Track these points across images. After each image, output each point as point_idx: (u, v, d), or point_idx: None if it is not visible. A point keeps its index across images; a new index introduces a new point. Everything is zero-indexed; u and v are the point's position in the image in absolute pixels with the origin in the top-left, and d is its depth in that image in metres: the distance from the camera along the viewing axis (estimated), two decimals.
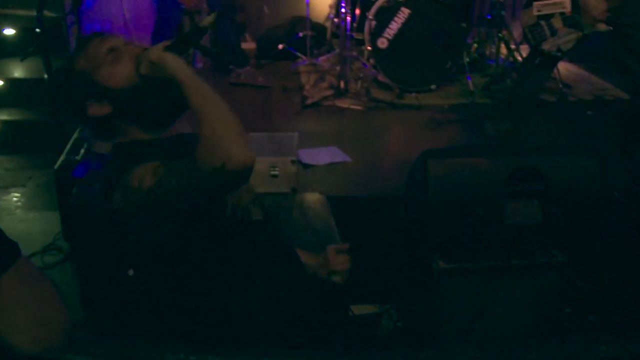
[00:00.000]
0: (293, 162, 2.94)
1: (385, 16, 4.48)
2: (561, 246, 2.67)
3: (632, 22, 3.37)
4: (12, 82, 4.96)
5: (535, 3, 3.54)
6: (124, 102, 1.64)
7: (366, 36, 4.70)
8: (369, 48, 4.62)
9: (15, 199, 4.16)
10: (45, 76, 4.19)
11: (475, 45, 5.16)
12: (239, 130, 1.49)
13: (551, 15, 3.50)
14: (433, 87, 4.56)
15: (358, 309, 2.96)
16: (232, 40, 4.95)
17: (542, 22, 3.51)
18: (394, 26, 4.44)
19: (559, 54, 3.57)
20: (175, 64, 1.55)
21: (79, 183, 2.98)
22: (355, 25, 4.91)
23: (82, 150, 3.45)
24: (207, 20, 1.67)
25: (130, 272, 2.90)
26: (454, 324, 2.71)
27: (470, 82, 4.54)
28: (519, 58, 4.72)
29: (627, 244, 2.68)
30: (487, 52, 5.16)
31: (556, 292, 2.63)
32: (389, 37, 4.46)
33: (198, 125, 1.47)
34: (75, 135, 3.74)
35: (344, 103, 4.35)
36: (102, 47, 1.66)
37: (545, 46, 3.51)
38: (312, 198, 2.88)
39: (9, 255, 0.97)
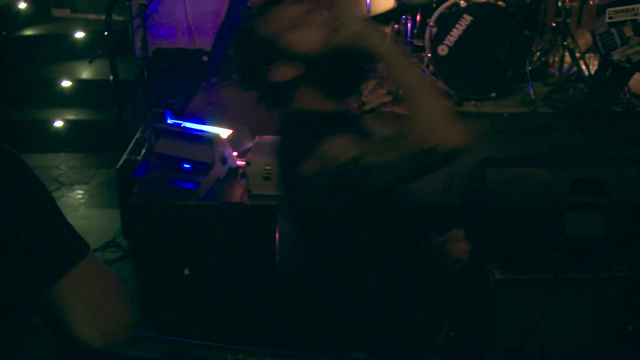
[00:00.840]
0: None
1: (446, 23, 4.43)
2: (623, 261, 2.60)
3: None
4: (80, 83, 5.15)
5: (608, 9, 3.45)
6: (314, 69, 1.60)
7: (426, 43, 4.67)
8: (429, 55, 4.59)
9: (79, 196, 4.30)
10: (111, 78, 4.33)
11: (538, 53, 5.06)
12: (449, 108, 1.46)
13: (623, 23, 3.40)
14: (493, 95, 4.49)
15: None
16: None
17: (613, 30, 3.42)
18: (455, 33, 4.40)
19: (628, 65, 3.46)
20: (377, 37, 1.52)
21: (139, 182, 3.06)
22: (415, 31, 4.88)
23: (143, 151, 3.54)
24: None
25: (187, 271, 2.97)
26: (508, 336, 2.67)
27: (531, 90, 4.45)
28: (584, 67, 4.61)
29: None
30: (550, 61, 5.05)
31: (617, 308, 2.55)
32: (450, 44, 4.42)
33: (407, 102, 1.46)
34: (137, 136, 3.84)
35: (402, 109, 4.33)
36: (287, 13, 1.64)
37: (615, 56, 3.42)
38: None
39: (79, 250, 1.01)
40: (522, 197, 2.62)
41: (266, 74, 1.61)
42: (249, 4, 4.41)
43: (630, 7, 3.37)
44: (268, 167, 2.92)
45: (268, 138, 3.22)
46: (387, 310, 1.71)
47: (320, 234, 1.68)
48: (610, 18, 3.41)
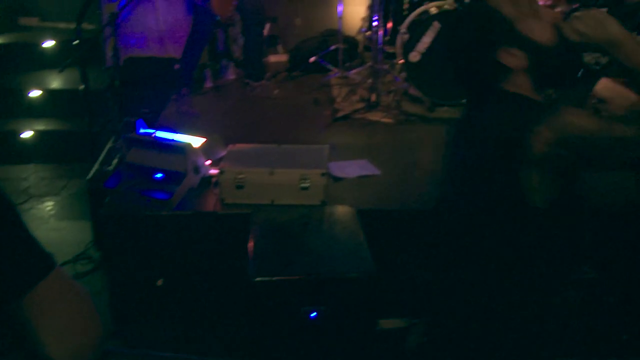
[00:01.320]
0: (323, 174, 2.94)
1: (417, 30, 4.47)
2: (592, 263, 2.63)
3: None
4: (49, 93, 5.08)
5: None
6: (540, 60, 1.63)
7: (398, 49, 4.70)
8: (401, 61, 4.61)
9: (49, 207, 4.24)
10: (82, 87, 4.28)
11: None
12: None
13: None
14: (464, 100, 4.52)
15: (386, 323, 2.94)
16: (253, 53, 5.00)
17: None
18: (427, 40, 4.43)
19: (598, 67, 3.51)
20: (617, 25, 1.54)
21: (111, 193, 3.03)
22: (387, 38, 4.91)
23: (115, 161, 3.51)
24: None
25: (160, 282, 2.94)
26: (483, 339, 2.68)
27: None
28: None
29: None
30: None
31: (585, 309, 2.58)
32: (421, 51, 4.45)
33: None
34: (108, 146, 3.80)
35: (375, 116, 4.34)
36: (530, 0, 1.66)
37: (586, 58, 3.47)
38: (342, 211, 2.89)
39: (44, 265, 0.99)
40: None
41: (496, 52, 1.62)
42: (217, 17, 4.41)
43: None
44: (241, 176, 2.91)
45: (241, 146, 3.21)
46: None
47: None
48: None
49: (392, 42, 4.87)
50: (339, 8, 5.03)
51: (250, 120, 4.29)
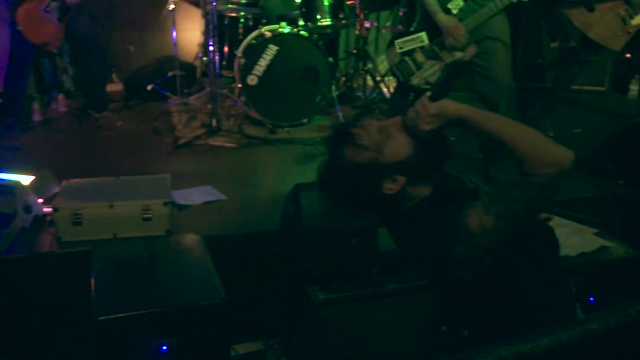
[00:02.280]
0: (166, 203, 2.88)
1: (253, 53, 4.53)
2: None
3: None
4: None
5: (396, 41, 3.71)
6: (414, 168, 1.72)
7: (236, 74, 4.73)
8: (239, 85, 4.65)
9: None
10: None
11: (344, 78, 5.33)
12: (543, 136, 1.59)
13: (413, 51, 3.68)
14: (304, 121, 4.65)
15: (242, 348, 2.92)
16: (95, 83, 4.79)
17: (407, 58, 3.68)
18: (263, 63, 4.51)
19: (428, 86, 3.75)
20: (450, 104, 1.64)
21: None
22: (224, 63, 4.92)
23: None
24: (470, 52, 1.75)
25: None
26: (339, 354, 2.74)
27: (340, 114, 4.67)
28: (385, 89, 4.92)
29: None
30: (355, 85, 5.34)
31: (431, 312, 2.72)
32: (259, 74, 4.52)
33: (511, 147, 1.56)
34: None
35: (216, 141, 4.33)
36: (372, 131, 1.74)
37: (414, 81, 3.68)
38: (188, 239, 2.84)
39: None
40: (336, 218, 2.73)
41: (382, 190, 1.72)
42: (32, 43, 4.17)
43: (415, 35, 3.66)
44: (78, 212, 2.78)
45: (77, 181, 3.06)
46: None
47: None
48: (400, 48, 3.68)
49: (229, 66, 4.89)
50: (173, 34, 4.97)
51: (86, 154, 4.10)
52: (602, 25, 3.82)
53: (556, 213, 2.95)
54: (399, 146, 1.72)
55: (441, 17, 3.53)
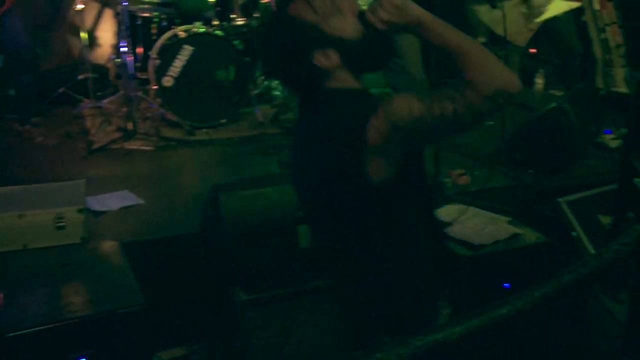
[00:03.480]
0: (80, 210, 2.79)
1: (168, 54, 4.45)
2: None
3: None
4: None
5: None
6: (352, 52, 1.65)
7: (150, 75, 4.63)
8: (155, 87, 4.56)
9: None
10: None
11: (262, 77, 5.31)
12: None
13: None
14: (223, 121, 4.60)
15: (166, 354, 2.88)
16: (22, 93, 4.55)
17: None
18: (178, 63, 4.44)
19: None
20: (417, 7, 1.60)
21: None
22: (138, 64, 4.81)
23: None
24: None
25: None
26: (263, 354, 2.74)
27: (259, 113, 4.65)
28: None
29: None
30: (274, 84, 5.32)
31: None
32: (174, 75, 4.44)
33: (458, 57, 1.54)
34: None
35: (133, 145, 4.23)
36: None
37: None
38: (105, 246, 2.77)
39: None
40: (256, 218, 2.72)
41: (311, 58, 1.64)
42: None
43: None
44: None
45: None
46: None
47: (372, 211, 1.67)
48: None
49: (143, 68, 4.79)
50: (83, 35, 4.82)
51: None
52: (508, 22, 3.96)
53: (471, 203, 3.05)
54: (346, 25, 1.67)
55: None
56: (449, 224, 2.85)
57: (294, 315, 2.74)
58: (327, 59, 1.67)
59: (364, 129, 1.55)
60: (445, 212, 2.92)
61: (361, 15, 1.68)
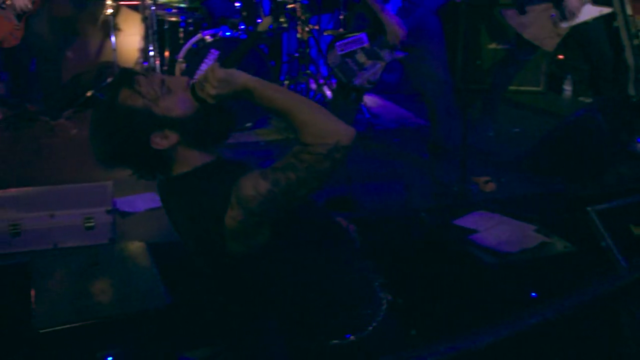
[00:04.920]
0: (109, 211, 2.83)
1: (195, 58, 4.49)
2: (379, 269, 2.80)
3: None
4: None
5: (336, 43, 3.73)
6: (189, 129, 1.65)
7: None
8: None
9: None
10: None
11: (287, 82, 5.33)
12: (326, 110, 1.59)
13: (354, 52, 3.70)
14: (248, 125, 4.63)
15: (191, 355, 2.88)
16: (48, 89, 4.64)
17: (348, 60, 3.70)
18: (205, 67, 4.46)
19: (370, 86, 3.78)
20: (240, 74, 1.62)
21: None
22: (165, 68, 4.86)
23: None
24: (264, 24, 1.71)
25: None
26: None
27: None
28: (327, 92, 4.95)
29: (434, 258, 2.88)
30: (299, 89, 5.34)
31: None
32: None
33: (291, 119, 1.56)
34: None
35: None
36: (153, 81, 1.66)
37: (357, 81, 3.70)
38: (132, 247, 2.79)
39: None
40: None
41: (149, 143, 1.63)
42: None
43: (355, 38, 3.69)
44: (16, 223, 2.70)
45: (13, 191, 3.00)
46: None
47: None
48: (341, 50, 3.70)
49: (170, 71, 4.83)
50: (112, 39, 4.88)
51: (22, 162, 3.98)
52: (536, 27, 3.93)
53: (498, 211, 3.02)
54: (177, 102, 1.66)
55: (384, 15, 3.58)
56: (474, 231, 2.83)
57: None
58: (165, 139, 1.66)
59: (222, 218, 1.57)
60: (471, 220, 2.90)
61: (192, 90, 1.67)
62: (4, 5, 4.03)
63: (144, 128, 1.64)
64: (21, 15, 4.14)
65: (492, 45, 5.36)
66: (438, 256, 2.88)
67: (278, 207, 1.57)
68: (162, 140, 1.65)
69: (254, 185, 1.54)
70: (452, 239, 2.92)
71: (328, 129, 1.55)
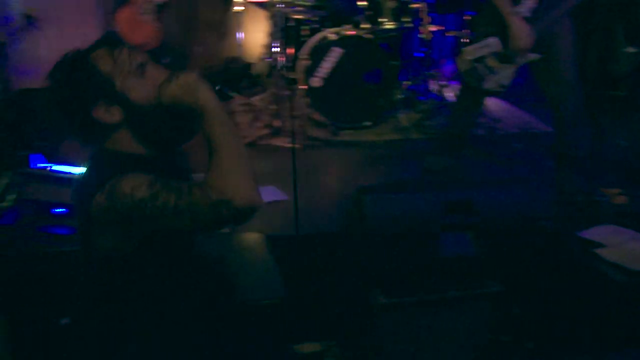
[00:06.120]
0: None
1: (318, 55, 4.55)
2: (496, 276, 2.73)
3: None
4: None
5: (465, 49, 3.65)
6: (135, 117, 1.62)
7: (299, 75, 4.76)
8: (303, 87, 4.68)
9: None
10: None
11: (407, 82, 5.29)
12: (251, 171, 1.52)
13: (485, 56, 3.61)
14: (367, 123, 4.64)
15: (302, 348, 2.94)
16: None
17: (478, 65, 3.61)
18: (327, 65, 4.52)
19: (502, 90, 3.69)
20: (207, 92, 1.58)
21: (7, 231, 2.89)
22: (288, 65, 4.96)
23: (11, 197, 3.34)
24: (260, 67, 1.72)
25: (65, 321, 2.81)
26: (396, 358, 2.73)
27: (403, 118, 4.64)
28: (447, 95, 4.87)
29: (555, 269, 2.77)
30: (419, 89, 5.29)
31: (492, 321, 2.68)
32: (322, 76, 4.54)
33: (212, 154, 1.51)
34: (3, 182, 3.62)
35: (279, 142, 4.37)
36: (134, 58, 1.64)
37: (487, 85, 3.61)
38: (251, 238, 2.87)
39: None
40: (398, 222, 2.71)
41: (92, 110, 1.60)
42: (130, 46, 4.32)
43: (486, 42, 3.59)
44: None
45: None
46: None
47: (111, 275, 1.68)
48: (471, 55, 3.61)
49: (293, 68, 4.93)
50: (239, 35, 5.04)
51: None
52: None
53: (630, 226, 2.87)
54: (142, 89, 1.62)
55: (512, 19, 3.47)
56: (601, 245, 2.69)
57: (431, 324, 2.70)
58: (108, 114, 1.61)
59: (92, 198, 1.51)
60: (599, 233, 2.77)
61: (161, 87, 1.60)
62: (147, 11, 4.27)
63: (95, 92, 1.61)
64: (158, 16, 4.37)
65: (632, 50, 5.05)
66: (559, 268, 2.77)
67: (140, 219, 1.50)
68: (105, 114, 1.61)
69: (133, 186, 1.49)
70: (576, 251, 2.80)
71: (233, 184, 1.47)
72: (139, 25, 4.31)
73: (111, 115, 1.61)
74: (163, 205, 1.47)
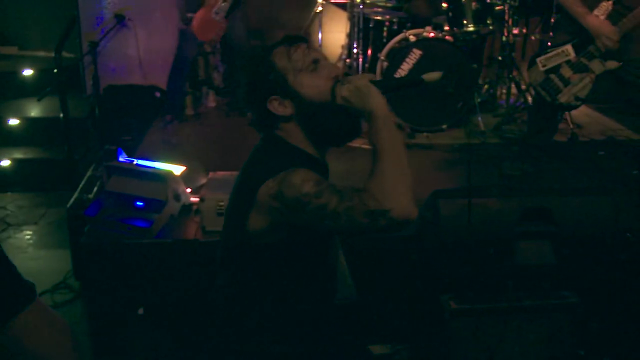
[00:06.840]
0: None
1: (396, 57, 4.52)
2: (573, 287, 2.65)
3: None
4: (28, 121, 5.05)
5: (538, 59, 3.53)
6: (308, 113, 1.69)
7: (378, 77, 4.75)
8: None
9: (27, 236, 4.19)
10: (62, 115, 4.27)
11: (487, 86, 5.19)
12: (411, 182, 1.56)
13: (558, 66, 3.48)
14: (444, 127, 4.58)
15: (371, 349, 2.93)
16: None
17: (552, 76, 3.48)
18: (406, 67, 4.49)
19: (579, 103, 3.54)
20: (378, 98, 1.64)
21: (91, 221, 3.00)
22: (367, 65, 4.96)
23: (95, 189, 3.48)
24: (432, 76, 1.77)
25: (141, 311, 2.91)
26: None
27: (481, 122, 4.56)
28: (530, 99, 4.75)
29: (637, 284, 2.66)
30: (498, 93, 5.19)
31: (568, 333, 2.59)
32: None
33: (375, 161, 1.56)
34: (88, 174, 3.78)
35: (355, 142, 4.33)
36: (309, 55, 1.71)
37: (563, 98, 3.48)
38: None
39: (24, 296, 0.98)
40: (474, 228, 2.67)
41: (267, 102, 1.69)
42: (201, 43, 4.47)
43: (559, 50, 3.46)
44: (222, 203, 2.90)
45: (222, 174, 3.21)
46: None
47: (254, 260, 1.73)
48: (544, 66, 3.49)
49: (372, 69, 4.92)
50: (319, 36, 5.08)
51: (231, 147, 4.29)
52: None
53: None
54: (313, 84, 1.67)
55: (591, 19, 3.33)
56: None
57: (502, 332, 2.65)
58: (281, 107, 1.67)
59: (257, 188, 1.59)
60: None
61: (334, 83, 1.65)
62: (218, 11, 4.46)
63: (271, 86, 1.69)
64: (229, 14, 4.56)
65: None
66: None
67: (300, 214, 1.55)
68: (278, 107, 1.69)
69: (303, 180, 1.54)
70: None
71: (391, 194, 1.49)
72: (209, 25, 4.54)
73: (284, 108, 1.69)
74: (324, 205, 1.52)
